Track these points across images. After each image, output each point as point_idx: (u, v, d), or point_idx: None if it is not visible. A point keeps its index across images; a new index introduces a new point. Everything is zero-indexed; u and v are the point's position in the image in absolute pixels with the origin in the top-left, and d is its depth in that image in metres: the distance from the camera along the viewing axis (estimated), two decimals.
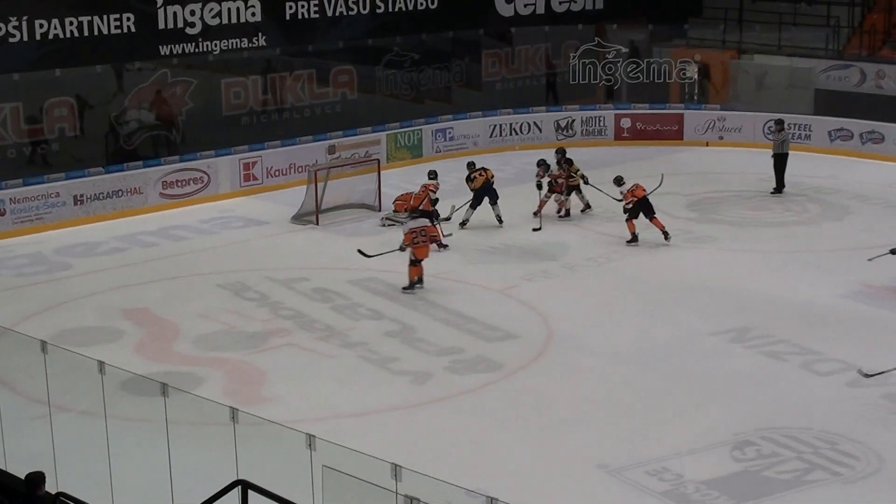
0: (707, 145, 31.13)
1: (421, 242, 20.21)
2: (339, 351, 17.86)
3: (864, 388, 16.12)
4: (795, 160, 27.11)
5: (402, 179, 26.09)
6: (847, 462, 14.11)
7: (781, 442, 14.58)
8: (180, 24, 26.91)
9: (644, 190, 22.66)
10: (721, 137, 30.94)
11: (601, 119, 31.79)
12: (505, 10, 33.60)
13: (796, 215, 24.91)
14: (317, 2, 29.41)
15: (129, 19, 25.84)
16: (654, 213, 22.65)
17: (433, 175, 23.83)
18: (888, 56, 32.56)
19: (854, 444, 14.50)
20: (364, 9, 30.31)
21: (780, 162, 26.31)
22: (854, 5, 34.26)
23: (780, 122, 27.07)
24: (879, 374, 16.10)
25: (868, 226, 23.99)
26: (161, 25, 26.56)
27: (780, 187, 26.24)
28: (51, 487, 11.25)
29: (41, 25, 24.71)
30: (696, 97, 32.94)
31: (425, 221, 20.81)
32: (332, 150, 27.66)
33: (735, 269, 21.37)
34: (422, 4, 31.39)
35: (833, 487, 13.58)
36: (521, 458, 14.42)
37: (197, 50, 27.30)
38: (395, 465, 9.89)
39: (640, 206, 22.51)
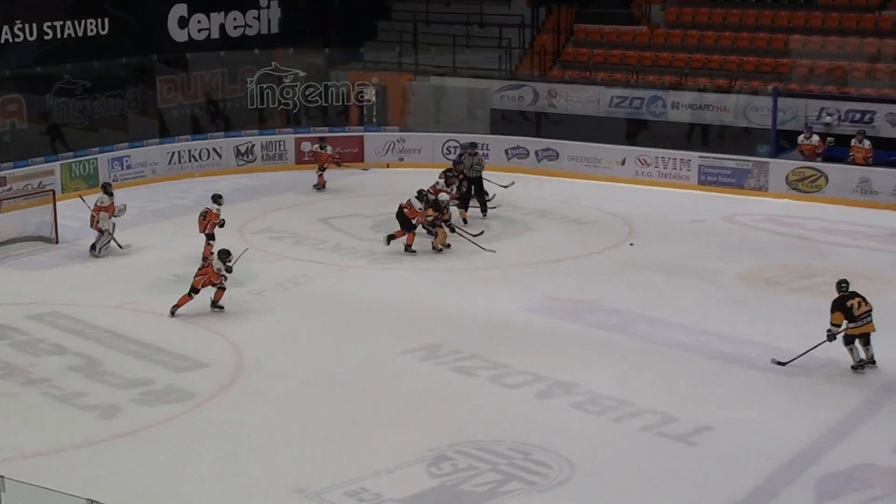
0: (388, 167, 31.45)
1: None
2: (21, 389, 16.95)
3: (553, 398, 16.51)
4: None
5: (80, 210, 25.10)
6: (540, 471, 14.34)
7: (476, 455, 14.70)
8: None
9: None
10: (401, 159, 31.32)
11: (281, 143, 31.60)
12: (179, 36, 33.12)
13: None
14: None
15: None
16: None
17: (218, 200, 23.21)
18: (558, 76, 33.72)
19: (546, 452, 14.76)
20: (31, 35, 29.30)
21: (472, 184, 26.53)
22: (524, 27, 35.33)
23: (473, 145, 27.40)
24: (793, 360, 17.11)
25: (548, 241, 24.69)
26: None
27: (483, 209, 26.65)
28: None
29: None
30: (374, 119, 33.22)
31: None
32: (2, 182, 26.43)
33: (422, 288, 21.54)
34: (92, 30, 30.61)
35: (528, 496, 13.75)
36: (215, 488, 14.04)
37: None
38: (91, 501, 9.41)
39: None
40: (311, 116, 33.51)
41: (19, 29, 28.97)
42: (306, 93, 32.85)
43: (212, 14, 33.98)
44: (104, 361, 17.97)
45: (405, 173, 30.19)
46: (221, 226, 22.96)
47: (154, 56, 32.77)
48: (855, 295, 17.28)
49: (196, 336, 19.13)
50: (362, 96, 33.11)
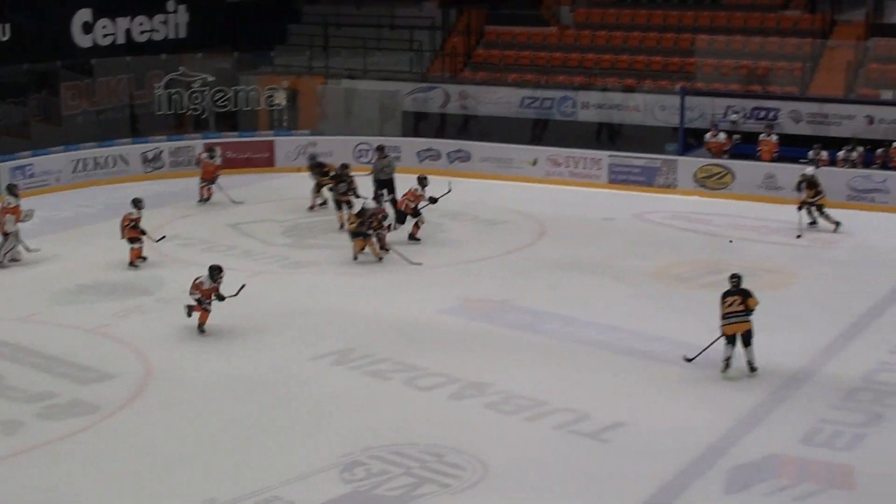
0: (299, 171, 31.13)
1: None
2: None
3: (466, 399, 16.46)
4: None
5: None
6: (454, 473, 14.26)
7: (389, 459, 14.59)
8: None
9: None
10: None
11: (190, 149, 31.21)
12: (83, 42, 32.72)
13: (391, 235, 25.19)
14: None
15: None
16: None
17: (138, 204, 22.94)
18: (469, 77, 33.75)
19: (459, 454, 14.69)
20: None
21: (381, 186, 26.42)
22: (435, 29, 35.33)
23: (381, 148, 27.28)
24: (699, 354, 17.09)
25: (461, 242, 24.67)
26: None
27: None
28: None
29: None
30: (285, 123, 32.98)
31: None
32: None
33: (334, 293, 21.38)
34: None
35: (442, 499, 13.67)
36: (123, 503, 13.78)
37: None
38: None
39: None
40: (220, 121, 33.15)
41: None
42: (215, 98, 32.54)
43: (118, 19, 33.59)
44: (5, 375, 17.53)
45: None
46: (143, 233, 22.65)
47: (58, 62, 32.20)
48: (733, 293, 17.15)
49: (102, 347, 18.77)
50: (272, 100, 32.86)
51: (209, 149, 28.63)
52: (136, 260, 22.68)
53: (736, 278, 17.39)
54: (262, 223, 25.88)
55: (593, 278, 22.04)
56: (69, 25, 32.41)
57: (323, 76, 34.54)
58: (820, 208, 24.95)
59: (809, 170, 25.26)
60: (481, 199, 28.05)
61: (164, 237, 23.80)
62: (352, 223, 23.14)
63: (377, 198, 24.47)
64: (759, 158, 28.38)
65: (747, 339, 17.09)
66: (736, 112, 29.77)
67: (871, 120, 28.37)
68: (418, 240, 24.26)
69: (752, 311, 17.04)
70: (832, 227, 24.88)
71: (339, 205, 25.37)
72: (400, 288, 21.60)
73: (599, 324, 19.40)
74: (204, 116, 32.70)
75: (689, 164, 28.77)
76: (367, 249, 23.06)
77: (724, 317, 17.08)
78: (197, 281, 19.13)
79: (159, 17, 34.66)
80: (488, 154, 30.75)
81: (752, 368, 17.10)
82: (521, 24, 35.34)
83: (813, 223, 24.99)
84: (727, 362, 17.13)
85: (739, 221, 25.94)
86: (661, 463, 14.43)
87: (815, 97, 29.87)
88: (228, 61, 34.38)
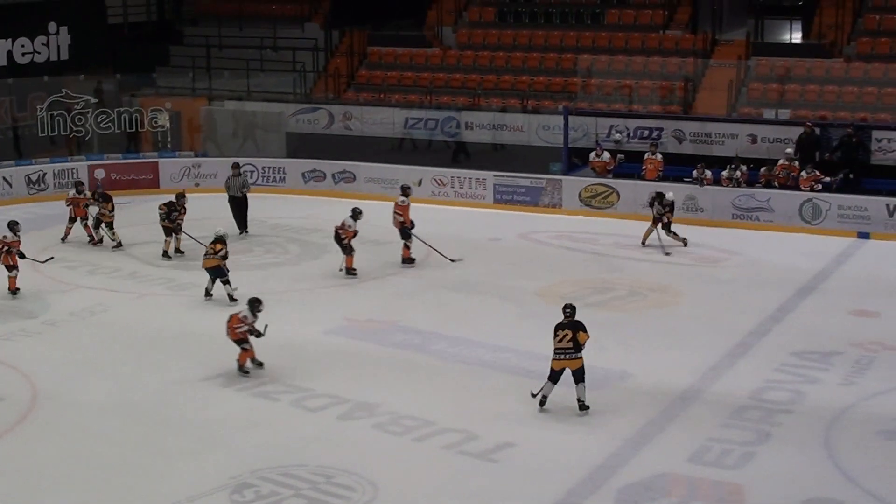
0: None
1: None
2: None
3: (354, 420, 16.53)
4: (273, 202, 27.50)
5: None
6: (344, 494, 14.31)
7: (279, 481, 14.60)
8: None
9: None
10: (197, 184, 30.90)
11: (74, 171, 30.84)
12: None
13: (277, 256, 25.26)
14: None
15: None
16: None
17: (14, 227, 22.46)
18: (353, 98, 33.86)
19: (349, 475, 14.74)
20: None
21: (238, 205, 26.94)
22: (318, 50, 35.37)
23: (236, 166, 27.64)
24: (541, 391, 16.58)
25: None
26: None
27: (242, 229, 26.87)
28: None
29: None
30: (169, 145, 32.76)
31: None
32: None
33: (222, 314, 21.10)
34: None
35: None
36: None
37: None
38: None
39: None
40: (103, 143, 32.80)
41: None
42: (98, 119, 32.23)
43: None
44: None
45: (202, 199, 29.66)
46: (22, 256, 22.33)
47: None
48: (564, 326, 16.54)
49: None
50: (156, 122, 32.63)
51: (76, 185, 26.89)
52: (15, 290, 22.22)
53: (569, 309, 16.68)
54: (148, 245, 25.64)
55: (480, 298, 22.23)
56: None
57: (206, 97, 34.37)
58: (667, 226, 25.48)
59: (670, 195, 25.70)
60: (366, 219, 28.00)
61: (51, 258, 23.57)
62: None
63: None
64: (643, 177, 28.80)
65: (578, 376, 16.50)
66: (619, 132, 30.23)
67: (753, 139, 29.01)
68: (355, 273, 23.63)
69: (581, 346, 16.41)
70: (680, 243, 25.49)
71: (168, 231, 24.98)
72: (284, 308, 21.47)
73: (486, 343, 19.58)
74: (87, 138, 32.32)
75: (573, 184, 29.11)
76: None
77: (555, 351, 16.52)
78: (240, 316, 18.42)
79: (41, 39, 34.28)
80: (373, 175, 30.82)
81: (582, 407, 16.55)
82: (404, 44, 35.56)
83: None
84: (543, 399, 16.67)
85: (624, 240, 26.28)
86: (552, 483, 14.59)
87: (697, 116, 30.42)
88: (111, 83, 34.08)
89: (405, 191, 24.79)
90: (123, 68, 34.58)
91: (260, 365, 18.42)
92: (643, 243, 25.48)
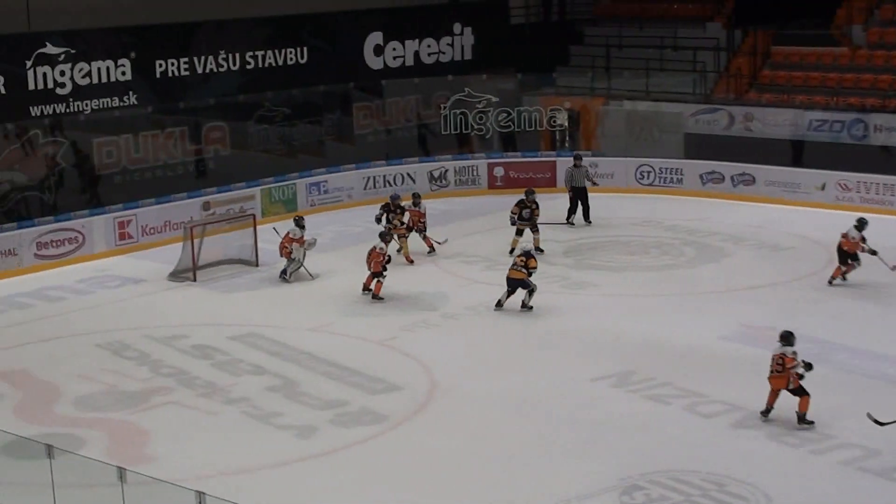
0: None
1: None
2: (222, 407, 17.45)
3: (747, 428, 16.21)
4: (670, 203, 27.32)
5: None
6: (736, 503, 14.07)
7: (669, 485, 14.51)
8: (50, 85, 26.96)
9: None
10: (595, 183, 31.07)
11: (474, 168, 31.81)
12: (374, 63, 33.68)
13: (673, 259, 25.10)
14: (186, 60, 29.37)
15: None
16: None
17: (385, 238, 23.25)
18: (755, 99, 33.18)
19: (742, 484, 14.48)
20: (234, 65, 30.31)
21: (582, 196, 27.84)
22: (719, 50, 34.89)
23: (578, 157, 28.63)
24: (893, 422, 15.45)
25: (743, 267, 24.27)
26: (31, 86, 26.68)
27: (586, 217, 27.90)
28: None
29: None
30: (567, 144, 33.15)
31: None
32: (206, 206, 27.34)
33: (615, 314, 21.38)
34: (291, 59, 31.41)
35: None
36: None
37: (68, 110, 27.35)
38: None
39: None
40: (503, 141, 33.64)
41: (223, 59, 29.97)
42: (499, 118, 33.05)
43: (406, 41, 34.45)
44: (301, 382, 18.36)
45: (596, 198, 29.71)
46: (388, 261, 22.84)
47: (350, 83, 33.39)
48: None
49: (390, 359, 19.39)
50: (555, 121, 33.12)
51: (413, 196, 26.33)
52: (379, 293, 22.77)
53: None
54: (543, 243, 25.96)
55: (884, 308, 21.34)
56: (361, 48, 33.46)
57: (604, 97, 34.56)
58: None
59: None
60: (764, 223, 27.54)
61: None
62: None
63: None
64: None
65: None
66: None
67: None
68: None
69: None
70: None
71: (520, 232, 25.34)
72: (679, 311, 21.42)
73: (890, 356, 18.81)
74: (488, 137, 33.22)
75: None
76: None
77: None
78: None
79: (446, 40, 35.40)
80: (774, 178, 30.12)
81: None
82: (810, 44, 34.46)
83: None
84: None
85: None
86: None
87: None
88: (512, 82, 34.84)
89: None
90: (525, 68, 35.24)
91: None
92: None
